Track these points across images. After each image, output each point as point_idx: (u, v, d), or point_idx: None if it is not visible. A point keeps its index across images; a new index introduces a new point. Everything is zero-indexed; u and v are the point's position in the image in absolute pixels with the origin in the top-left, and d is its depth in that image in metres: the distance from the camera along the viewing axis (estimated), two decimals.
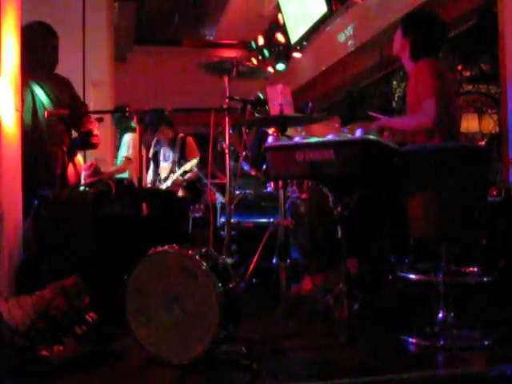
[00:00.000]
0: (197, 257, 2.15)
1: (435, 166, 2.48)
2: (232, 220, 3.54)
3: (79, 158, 3.71)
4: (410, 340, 2.44)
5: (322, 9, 6.80)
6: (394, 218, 2.83)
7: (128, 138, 5.19)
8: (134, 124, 3.17)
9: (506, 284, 2.96)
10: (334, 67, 7.97)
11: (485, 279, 2.68)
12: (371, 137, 2.45)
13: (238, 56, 8.92)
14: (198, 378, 2.07)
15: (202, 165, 5.03)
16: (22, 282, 2.68)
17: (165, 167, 5.40)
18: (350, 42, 7.37)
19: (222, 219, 3.97)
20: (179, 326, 2.12)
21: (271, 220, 3.50)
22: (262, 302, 3.25)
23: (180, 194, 5.04)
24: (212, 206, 4.15)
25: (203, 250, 2.27)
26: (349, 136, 2.61)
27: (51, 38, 3.61)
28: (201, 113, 7.22)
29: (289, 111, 3.28)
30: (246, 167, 3.70)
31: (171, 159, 5.35)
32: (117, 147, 5.45)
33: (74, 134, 3.62)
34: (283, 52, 8.18)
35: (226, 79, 3.40)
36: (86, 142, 3.62)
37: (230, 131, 3.41)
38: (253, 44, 8.57)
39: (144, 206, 2.89)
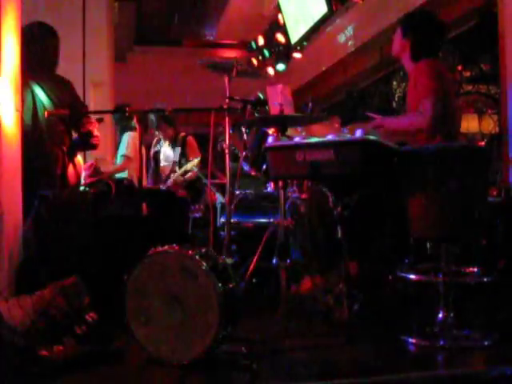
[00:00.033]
0: (197, 257, 2.15)
1: (435, 166, 2.48)
2: (232, 220, 3.54)
3: (79, 158, 3.71)
4: (410, 340, 2.44)
5: (323, 9, 6.81)
6: (394, 218, 2.83)
7: (127, 137, 5.19)
8: (134, 124, 3.16)
9: (506, 284, 2.96)
10: (334, 67, 7.98)
11: (485, 279, 2.69)
12: (371, 137, 2.45)
13: (238, 56, 8.93)
14: (198, 378, 2.07)
15: (202, 165, 5.04)
16: (22, 282, 2.67)
17: (165, 167, 5.40)
18: (350, 43, 7.37)
19: (222, 219, 3.97)
20: (179, 326, 2.12)
21: (271, 220, 3.50)
22: (262, 302, 3.25)
23: (180, 193, 5.04)
24: (212, 206, 4.15)
25: (203, 250, 2.27)
26: (349, 136, 2.61)
27: (52, 39, 3.61)
28: (201, 113, 7.21)
29: (289, 111, 3.28)
30: (246, 167, 3.70)
31: (172, 159, 5.35)
32: (116, 146, 5.46)
33: (74, 134, 3.62)
34: (283, 52, 8.18)
35: (226, 79, 3.40)
36: (86, 143, 3.62)
37: (230, 131, 3.41)
38: (253, 44, 8.57)
39: (144, 206, 2.89)
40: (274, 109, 3.30)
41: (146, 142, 5.32)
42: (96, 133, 3.60)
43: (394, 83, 7.47)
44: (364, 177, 2.41)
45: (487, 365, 2.28)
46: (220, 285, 2.11)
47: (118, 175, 5.11)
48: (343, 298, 2.50)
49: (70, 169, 3.52)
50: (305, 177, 3.08)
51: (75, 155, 3.63)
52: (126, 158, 5.15)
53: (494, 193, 3.47)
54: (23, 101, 3.16)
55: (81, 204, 2.87)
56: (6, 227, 2.64)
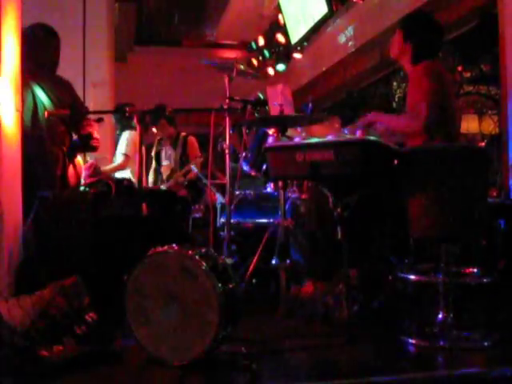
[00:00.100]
0: (197, 257, 2.15)
1: (435, 166, 2.48)
2: (232, 220, 3.54)
3: (79, 159, 3.71)
4: (410, 341, 2.44)
5: (323, 9, 6.81)
6: (394, 218, 2.83)
7: (127, 136, 5.20)
8: (134, 123, 3.16)
9: (506, 285, 2.96)
10: (334, 68, 7.97)
11: (485, 280, 2.69)
12: (371, 137, 2.45)
13: (238, 56, 8.93)
14: (198, 378, 2.07)
15: (202, 165, 5.04)
16: (22, 282, 2.67)
17: (166, 166, 5.41)
18: (350, 43, 7.37)
19: (222, 219, 3.97)
20: (179, 326, 2.12)
21: (271, 220, 3.50)
22: (262, 302, 3.25)
23: (181, 193, 5.05)
24: (212, 207, 4.16)
25: (203, 251, 2.27)
26: (349, 137, 2.61)
27: (52, 40, 3.61)
28: (201, 113, 7.22)
29: (289, 112, 3.28)
30: (246, 168, 3.70)
31: (173, 158, 5.35)
32: (116, 145, 5.47)
33: (74, 136, 3.62)
34: (283, 52, 8.19)
35: (226, 79, 3.41)
36: (86, 145, 3.62)
37: (230, 131, 3.41)
38: (253, 44, 8.58)
39: (144, 206, 2.89)
40: (274, 109, 3.31)
41: (146, 141, 5.32)
42: (96, 135, 3.60)
43: (394, 84, 7.48)
44: (364, 177, 2.41)
45: (487, 365, 2.28)
46: (220, 285, 2.11)
47: (118, 175, 5.12)
48: (343, 299, 2.50)
49: (70, 169, 3.52)
50: (305, 177, 3.08)
51: (75, 156, 3.63)
52: (126, 156, 5.16)
53: (494, 193, 3.47)
54: (23, 101, 3.17)
55: (81, 204, 2.87)
56: (6, 227, 2.64)
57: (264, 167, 3.57)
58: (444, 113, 2.92)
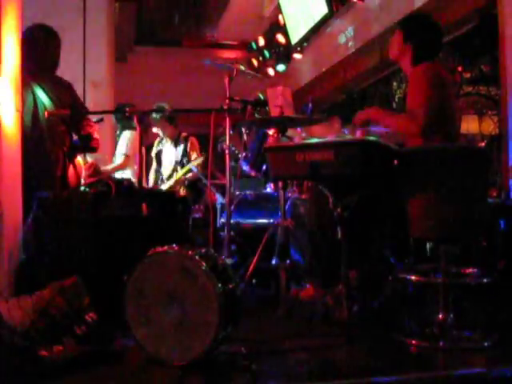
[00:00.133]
0: (197, 257, 2.15)
1: (435, 166, 2.48)
2: (232, 221, 3.54)
3: (79, 159, 3.71)
4: (410, 341, 2.44)
5: (323, 10, 6.82)
6: (394, 219, 2.83)
7: (127, 136, 5.21)
8: (134, 124, 3.16)
9: (506, 285, 2.96)
10: (334, 68, 7.98)
11: (484, 280, 2.68)
12: (371, 138, 2.45)
13: (238, 57, 8.93)
14: (198, 378, 2.07)
15: (202, 165, 5.04)
16: (22, 282, 2.68)
17: (167, 166, 5.41)
18: (350, 43, 7.37)
19: (222, 220, 3.97)
20: (179, 326, 2.12)
21: (271, 221, 3.51)
22: (262, 302, 3.26)
23: (182, 193, 5.05)
24: (212, 207, 4.16)
25: (203, 251, 2.27)
26: (349, 137, 2.62)
27: (53, 40, 3.61)
28: (201, 113, 7.22)
29: (289, 113, 3.28)
30: (246, 168, 3.70)
31: (174, 158, 5.36)
32: (116, 145, 5.47)
33: (74, 136, 3.62)
34: (284, 53, 8.19)
35: (226, 80, 3.41)
36: (86, 146, 3.62)
37: (231, 132, 3.41)
38: (253, 45, 8.58)
39: (144, 206, 2.89)
40: (274, 111, 3.31)
41: (146, 142, 5.33)
42: (96, 135, 3.60)
43: (394, 84, 7.48)
44: (364, 177, 2.42)
45: (487, 366, 2.28)
46: (220, 285, 2.11)
47: (118, 175, 5.12)
48: (343, 299, 2.50)
49: (71, 170, 3.52)
50: (305, 177, 3.08)
51: (75, 156, 3.63)
52: (126, 156, 5.17)
53: (494, 194, 3.48)
54: (24, 101, 3.17)
55: (81, 204, 2.87)
56: (6, 227, 2.64)
57: (264, 167, 3.57)
58: (444, 113, 2.91)
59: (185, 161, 5.21)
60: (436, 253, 2.59)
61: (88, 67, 5.84)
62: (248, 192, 3.90)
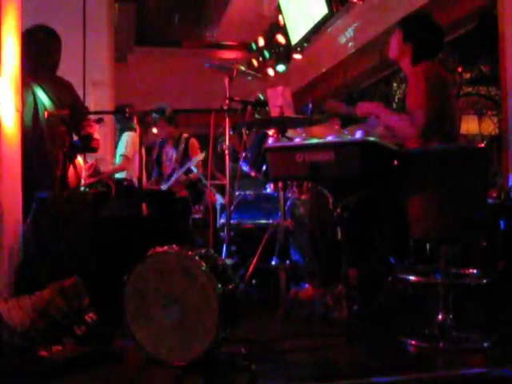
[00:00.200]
0: (196, 258, 2.15)
1: (435, 167, 2.48)
2: (232, 221, 3.54)
3: (79, 159, 3.71)
4: (409, 342, 2.44)
5: (323, 10, 6.82)
6: (394, 219, 2.83)
7: (127, 137, 5.20)
8: (134, 124, 3.17)
9: (506, 286, 2.96)
10: (334, 69, 7.98)
11: (484, 281, 2.69)
12: (371, 138, 2.45)
13: (238, 57, 8.93)
14: (198, 378, 2.07)
15: (203, 165, 5.04)
16: (22, 282, 2.68)
17: (168, 166, 5.42)
18: (350, 44, 7.38)
19: (222, 220, 3.97)
20: (179, 326, 2.12)
21: (271, 221, 3.50)
22: (262, 303, 3.26)
23: (181, 194, 5.05)
24: (212, 207, 4.16)
25: (203, 251, 2.27)
26: (349, 137, 2.61)
27: (53, 41, 3.62)
28: (201, 114, 7.23)
29: (289, 113, 3.28)
30: (246, 168, 3.70)
31: (174, 159, 5.36)
32: (116, 146, 5.47)
33: (75, 136, 3.62)
34: (283, 53, 8.19)
35: (226, 80, 3.41)
36: (86, 146, 3.62)
37: (230, 132, 3.41)
38: (253, 45, 8.58)
39: (144, 206, 2.89)
40: (274, 111, 3.31)
41: (146, 142, 5.33)
42: (96, 136, 3.60)
43: (394, 84, 7.48)
44: (364, 178, 2.41)
45: (486, 366, 2.27)
46: (220, 286, 2.11)
47: (118, 175, 5.12)
48: (342, 299, 2.50)
49: (71, 170, 3.52)
50: (305, 178, 3.08)
51: (75, 156, 3.63)
52: (125, 157, 5.16)
53: (494, 194, 3.47)
54: (24, 102, 3.17)
55: (81, 204, 2.87)
56: (6, 227, 2.64)
57: (264, 168, 3.57)
58: (444, 114, 2.91)
59: (185, 162, 5.21)
60: (436, 253, 2.59)
61: (88, 67, 5.84)
62: (248, 192, 3.90)
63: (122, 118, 5.26)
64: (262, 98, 3.73)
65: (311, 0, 7.07)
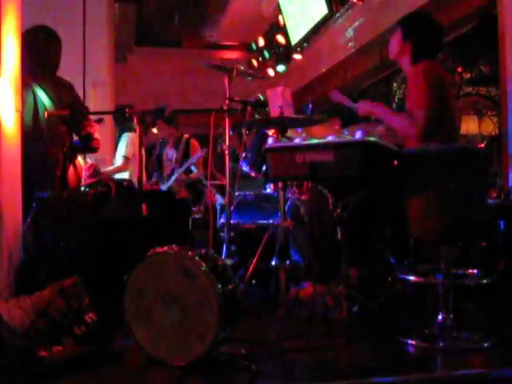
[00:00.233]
0: (196, 258, 2.15)
1: (435, 167, 2.48)
2: (232, 221, 3.54)
3: (79, 159, 3.71)
4: (410, 342, 2.44)
5: (323, 10, 6.82)
6: (394, 219, 2.83)
7: (126, 138, 5.21)
8: (134, 125, 3.17)
9: (506, 286, 2.96)
10: (334, 69, 7.98)
11: (484, 281, 2.69)
12: (371, 139, 2.45)
13: (238, 57, 8.94)
14: (197, 378, 2.07)
15: (202, 166, 5.04)
16: (22, 282, 2.68)
17: (168, 166, 5.42)
18: (350, 44, 7.38)
19: (222, 220, 3.97)
20: (179, 326, 2.12)
21: (271, 221, 3.51)
22: (262, 303, 3.25)
23: (181, 194, 5.05)
24: (212, 208, 4.16)
25: (203, 251, 2.27)
26: (349, 138, 2.61)
27: (53, 41, 3.62)
28: (201, 114, 7.23)
29: (289, 113, 3.28)
30: (246, 168, 3.70)
31: (174, 159, 5.36)
32: (116, 147, 5.47)
33: (75, 137, 3.62)
34: (283, 53, 8.19)
35: (226, 80, 3.41)
36: (86, 146, 3.62)
37: (230, 132, 3.41)
38: (253, 45, 8.58)
39: (144, 206, 2.89)
40: (274, 111, 3.31)
41: (146, 143, 5.33)
42: (96, 135, 3.60)
43: (395, 85, 7.49)
44: (364, 178, 2.41)
45: (486, 367, 2.28)
46: (220, 286, 2.11)
47: (117, 176, 5.12)
48: (342, 300, 2.50)
49: (71, 170, 3.52)
50: (304, 178, 3.08)
51: (75, 157, 3.63)
52: (126, 158, 5.17)
53: (494, 194, 3.47)
54: (24, 102, 3.17)
55: (81, 205, 2.87)
56: (6, 227, 2.64)
57: (264, 168, 3.57)
58: (443, 114, 2.92)
59: (185, 162, 5.22)
60: (436, 253, 2.59)
61: (88, 67, 5.85)
62: (248, 192, 3.90)
63: (122, 118, 5.26)
64: (261, 98, 3.73)
65: (311, 0, 7.07)
